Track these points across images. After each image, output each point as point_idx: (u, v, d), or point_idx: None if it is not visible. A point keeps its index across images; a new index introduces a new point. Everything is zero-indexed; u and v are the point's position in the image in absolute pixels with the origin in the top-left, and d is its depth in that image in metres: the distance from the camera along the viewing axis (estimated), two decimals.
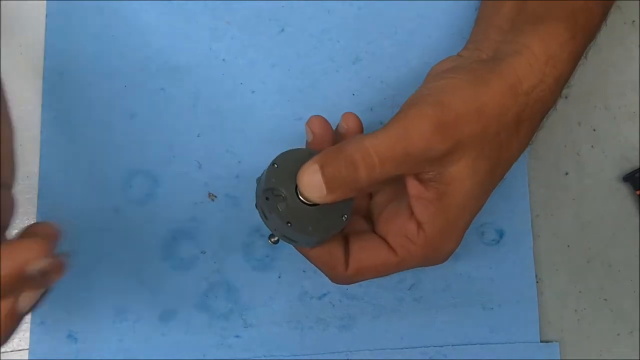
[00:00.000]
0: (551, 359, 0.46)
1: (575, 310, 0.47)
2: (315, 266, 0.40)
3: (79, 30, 0.46)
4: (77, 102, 0.45)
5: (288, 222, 0.36)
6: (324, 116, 0.39)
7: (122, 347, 0.44)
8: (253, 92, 0.46)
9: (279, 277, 0.46)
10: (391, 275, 0.40)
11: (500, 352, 0.46)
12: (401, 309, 0.46)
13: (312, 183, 0.35)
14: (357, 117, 0.40)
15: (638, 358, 0.47)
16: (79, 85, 0.46)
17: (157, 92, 0.46)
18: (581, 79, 0.48)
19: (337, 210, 0.37)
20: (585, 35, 0.40)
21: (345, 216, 0.37)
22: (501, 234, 0.47)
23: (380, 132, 0.35)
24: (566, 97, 0.48)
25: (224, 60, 0.46)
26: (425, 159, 0.35)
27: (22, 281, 0.29)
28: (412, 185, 0.37)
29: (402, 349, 0.46)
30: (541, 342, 0.46)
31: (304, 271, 0.45)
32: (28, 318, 0.43)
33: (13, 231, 0.33)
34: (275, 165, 0.36)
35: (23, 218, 0.44)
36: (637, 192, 0.48)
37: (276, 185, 0.36)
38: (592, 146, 0.48)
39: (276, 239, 0.39)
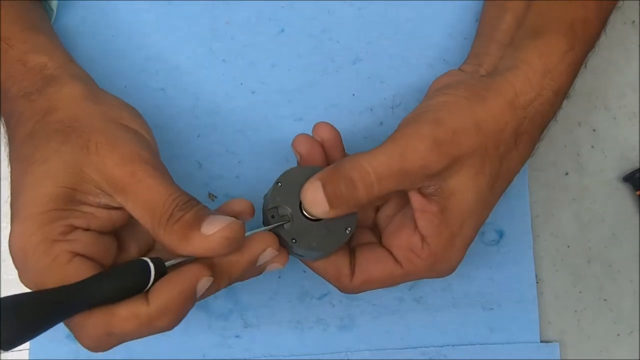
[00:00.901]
0: (551, 359, 0.46)
1: (575, 310, 0.47)
2: (322, 277, 0.40)
3: (79, 30, 0.46)
4: None
5: (293, 239, 0.37)
6: (308, 133, 0.40)
7: (122, 347, 0.44)
8: (253, 92, 0.46)
9: (279, 277, 0.46)
10: None
11: (500, 352, 0.46)
12: (401, 309, 0.46)
13: (315, 200, 0.36)
14: (328, 125, 0.40)
15: (638, 358, 0.47)
16: None
17: (157, 92, 0.46)
18: (581, 79, 0.48)
19: (341, 224, 0.38)
20: (584, 46, 0.40)
21: (349, 229, 0.38)
22: (501, 234, 0.47)
23: (378, 150, 0.36)
24: (566, 97, 0.48)
25: (224, 60, 0.46)
26: (423, 175, 0.36)
27: (251, 268, 0.35)
28: (415, 199, 0.37)
29: (402, 349, 0.46)
30: (541, 342, 0.46)
31: (304, 271, 0.45)
32: None
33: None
34: (279, 184, 0.37)
35: None
36: (637, 192, 0.48)
37: (281, 204, 0.37)
38: (592, 146, 0.48)
39: None
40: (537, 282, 0.47)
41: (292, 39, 0.47)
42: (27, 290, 0.32)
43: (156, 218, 0.33)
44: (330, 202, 0.36)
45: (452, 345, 0.46)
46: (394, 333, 0.46)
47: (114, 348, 0.44)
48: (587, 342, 0.47)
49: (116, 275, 0.32)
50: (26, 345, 0.44)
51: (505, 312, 0.46)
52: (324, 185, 0.36)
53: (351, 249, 0.40)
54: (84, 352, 0.44)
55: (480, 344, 0.46)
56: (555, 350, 0.46)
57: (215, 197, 0.46)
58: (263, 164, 0.46)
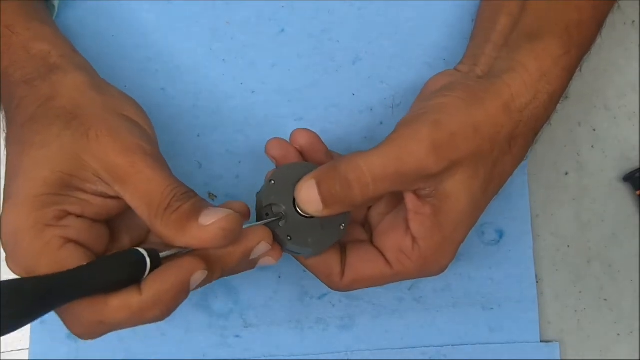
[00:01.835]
0: (551, 359, 0.46)
1: (575, 310, 0.47)
2: (313, 274, 0.40)
3: (79, 30, 0.46)
4: None
5: (288, 236, 0.37)
6: (280, 137, 0.40)
7: (122, 347, 0.44)
8: (253, 92, 0.46)
9: (279, 277, 0.46)
10: None
11: (500, 352, 0.46)
12: (401, 309, 0.46)
13: (310, 198, 0.36)
14: (305, 131, 0.40)
15: (638, 358, 0.47)
16: None
17: (157, 92, 0.46)
18: (582, 79, 0.48)
19: (336, 220, 0.38)
20: (579, 50, 0.40)
21: (343, 225, 0.38)
22: (501, 234, 0.47)
23: (375, 151, 0.36)
24: (566, 97, 0.48)
25: (224, 60, 0.46)
26: (419, 177, 0.36)
27: (244, 262, 0.35)
28: (410, 200, 0.37)
29: (402, 349, 0.46)
30: (541, 342, 0.46)
31: (304, 271, 0.45)
32: None
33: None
34: (272, 182, 0.38)
35: None
36: (637, 192, 0.48)
37: (275, 202, 0.37)
38: (592, 146, 0.48)
39: None
40: (537, 282, 0.47)
41: (292, 39, 0.47)
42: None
43: (153, 208, 0.33)
44: (325, 201, 0.36)
45: (452, 345, 0.46)
46: (394, 333, 0.46)
47: (114, 348, 0.44)
48: (587, 342, 0.47)
49: (112, 265, 0.32)
50: (26, 345, 0.44)
51: (505, 312, 0.46)
52: (318, 184, 0.36)
53: (342, 245, 0.40)
54: (84, 352, 0.44)
55: (480, 344, 0.46)
56: (555, 350, 0.46)
57: (215, 196, 0.46)
58: (263, 164, 0.45)
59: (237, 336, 0.45)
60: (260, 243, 0.35)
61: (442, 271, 0.40)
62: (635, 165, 0.48)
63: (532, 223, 0.47)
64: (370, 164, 0.35)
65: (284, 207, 0.37)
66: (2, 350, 0.44)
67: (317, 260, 0.39)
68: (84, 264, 0.31)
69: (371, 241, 0.40)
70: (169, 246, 0.34)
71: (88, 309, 0.32)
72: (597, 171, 0.48)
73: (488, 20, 0.42)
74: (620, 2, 0.48)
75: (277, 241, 0.37)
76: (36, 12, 0.40)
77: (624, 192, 0.48)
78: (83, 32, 0.46)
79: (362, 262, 0.39)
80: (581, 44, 0.40)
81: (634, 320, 0.47)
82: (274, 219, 0.37)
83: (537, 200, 0.48)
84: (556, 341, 0.47)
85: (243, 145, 0.46)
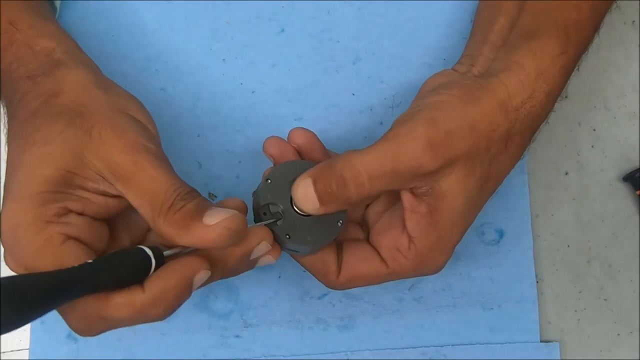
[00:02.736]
0: (551, 359, 0.46)
1: (575, 310, 0.47)
2: (309, 272, 0.40)
3: (80, 30, 0.46)
4: None
5: (287, 235, 0.37)
6: (278, 136, 0.40)
7: (122, 347, 0.44)
8: (253, 92, 0.46)
9: (279, 277, 0.46)
10: None
11: (500, 352, 0.46)
12: (401, 309, 0.46)
13: (306, 196, 0.36)
14: (302, 130, 0.40)
15: (638, 358, 0.47)
16: None
17: (157, 92, 0.46)
18: (581, 79, 0.48)
19: (333, 217, 0.38)
20: (576, 49, 0.40)
21: (341, 222, 0.38)
22: (501, 234, 0.47)
23: (370, 150, 0.36)
24: (566, 97, 0.48)
25: (224, 60, 0.46)
26: (415, 175, 0.36)
27: (244, 262, 0.35)
28: (406, 199, 0.38)
29: (402, 349, 0.46)
30: (541, 342, 0.46)
31: (304, 271, 0.45)
32: None
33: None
34: (269, 181, 0.38)
35: None
36: (637, 192, 0.48)
37: (272, 201, 0.37)
38: (592, 146, 0.49)
39: None
40: (537, 282, 0.47)
41: (292, 39, 0.47)
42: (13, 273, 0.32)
43: (157, 207, 0.33)
44: (321, 199, 0.36)
45: (452, 345, 0.46)
46: (394, 333, 0.46)
47: (114, 348, 0.44)
48: (587, 342, 0.47)
49: (117, 263, 0.32)
50: (26, 345, 0.44)
51: (505, 312, 0.46)
52: (314, 182, 0.36)
53: (338, 243, 0.40)
54: (84, 352, 0.44)
55: (480, 344, 0.46)
56: (555, 350, 0.46)
57: (215, 196, 0.46)
58: (263, 164, 0.45)
59: (237, 336, 0.45)
60: (260, 243, 0.35)
61: (439, 270, 0.40)
62: (635, 165, 0.48)
63: (532, 223, 0.47)
64: (366, 162, 0.35)
65: (281, 206, 0.37)
66: (2, 350, 0.44)
67: (313, 259, 0.39)
68: (88, 261, 0.31)
69: (368, 240, 0.40)
70: (170, 246, 0.34)
71: (90, 304, 0.31)
72: (597, 171, 0.48)
73: (486, 20, 0.42)
74: (620, 2, 0.48)
75: (276, 240, 0.37)
76: (40, 10, 0.40)
77: (624, 192, 0.48)
78: (83, 32, 0.46)
79: (358, 260, 0.39)
80: (579, 44, 0.40)
81: (634, 320, 0.47)
82: (273, 220, 0.37)
83: (537, 200, 0.48)
84: (556, 341, 0.47)
85: (243, 145, 0.46)
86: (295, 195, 0.36)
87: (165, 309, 0.33)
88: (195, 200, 0.33)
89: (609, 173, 0.48)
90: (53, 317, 0.44)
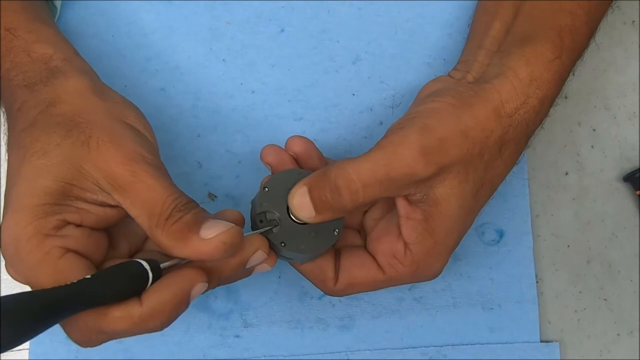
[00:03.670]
0: (551, 359, 0.46)
1: (575, 310, 0.47)
2: (307, 279, 0.41)
3: (80, 30, 0.46)
4: None
5: (282, 243, 0.37)
6: (277, 144, 0.41)
7: (122, 347, 0.44)
8: (253, 92, 0.46)
9: (279, 277, 0.46)
10: None
11: (500, 352, 0.46)
12: (401, 309, 0.46)
13: (302, 205, 0.36)
14: (299, 138, 0.41)
15: (638, 358, 0.47)
16: None
17: (157, 92, 0.46)
18: (581, 79, 0.48)
19: (329, 226, 0.38)
20: (571, 55, 0.40)
21: (337, 230, 0.38)
22: (501, 234, 0.47)
23: (364, 157, 0.36)
24: (566, 97, 0.48)
25: (224, 60, 0.46)
26: (409, 182, 0.36)
27: (240, 271, 0.36)
28: (401, 205, 0.38)
29: (402, 349, 0.46)
30: (541, 342, 0.46)
31: None
32: None
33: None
34: (266, 189, 0.38)
35: None
36: (637, 192, 0.48)
37: (268, 209, 0.37)
38: (592, 146, 0.49)
39: None
40: (537, 282, 0.47)
41: (292, 39, 0.47)
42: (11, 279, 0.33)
43: (154, 217, 0.33)
44: (316, 208, 0.36)
45: (452, 345, 0.46)
46: (394, 333, 0.46)
47: (114, 349, 0.44)
48: (587, 342, 0.47)
49: (115, 278, 0.32)
50: (26, 345, 0.44)
51: (505, 312, 0.46)
52: (310, 191, 0.36)
53: (336, 250, 0.40)
54: (84, 352, 0.44)
55: (480, 344, 0.46)
56: (555, 350, 0.46)
57: (215, 197, 0.46)
58: (263, 165, 0.45)
59: (237, 336, 0.45)
60: (256, 252, 0.36)
61: (435, 276, 0.40)
62: (635, 165, 0.48)
63: (532, 223, 0.47)
64: (360, 170, 0.36)
65: (277, 214, 0.37)
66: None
67: (311, 266, 0.39)
68: (87, 276, 0.31)
69: (366, 246, 0.41)
70: (167, 255, 0.34)
71: (89, 318, 0.32)
72: (597, 171, 0.48)
73: (482, 25, 0.43)
74: (620, 2, 0.48)
75: (272, 247, 0.37)
76: (38, 13, 0.39)
77: (624, 192, 0.48)
78: (83, 32, 0.46)
79: (355, 267, 0.39)
80: (573, 49, 0.40)
81: (634, 320, 0.47)
82: (268, 227, 0.37)
83: (537, 200, 0.48)
84: (556, 341, 0.47)
85: (243, 145, 0.46)
86: (292, 204, 0.37)
87: (163, 321, 0.33)
88: (192, 211, 0.33)
89: (609, 173, 0.48)
90: None
